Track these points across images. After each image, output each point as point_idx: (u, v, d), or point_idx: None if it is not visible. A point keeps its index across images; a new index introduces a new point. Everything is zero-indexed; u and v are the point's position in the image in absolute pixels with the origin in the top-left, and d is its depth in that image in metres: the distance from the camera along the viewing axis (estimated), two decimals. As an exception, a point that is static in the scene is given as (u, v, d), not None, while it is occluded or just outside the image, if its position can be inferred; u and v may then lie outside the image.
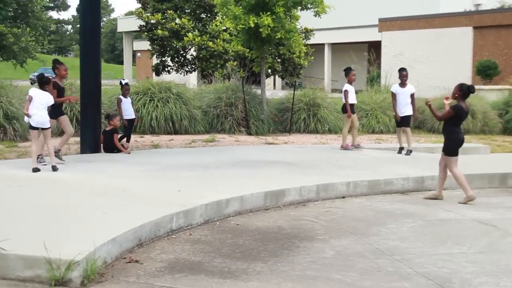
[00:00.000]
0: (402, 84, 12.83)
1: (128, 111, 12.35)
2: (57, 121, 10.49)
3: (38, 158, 9.78)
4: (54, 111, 10.07)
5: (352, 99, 13.04)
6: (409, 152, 12.67)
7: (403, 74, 12.82)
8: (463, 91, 8.88)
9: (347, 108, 12.96)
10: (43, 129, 9.39)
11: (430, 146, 14.42)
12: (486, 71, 26.88)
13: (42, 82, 9.45)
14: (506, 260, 6.05)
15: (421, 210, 8.37)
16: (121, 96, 12.36)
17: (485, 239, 6.93)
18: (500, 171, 10.72)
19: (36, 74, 50.96)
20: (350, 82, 13.08)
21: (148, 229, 6.34)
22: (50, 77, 9.84)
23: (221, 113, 17.14)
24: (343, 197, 9.18)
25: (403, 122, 12.80)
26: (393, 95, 12.87)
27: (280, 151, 13.03)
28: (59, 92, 10.33)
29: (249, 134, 16.75)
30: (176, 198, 7.55)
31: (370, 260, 6.01)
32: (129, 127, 12.45)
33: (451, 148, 8.97)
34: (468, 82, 28.70)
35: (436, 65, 30.55)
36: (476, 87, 22.75)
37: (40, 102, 9.30)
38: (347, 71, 13.21)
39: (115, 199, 7.43)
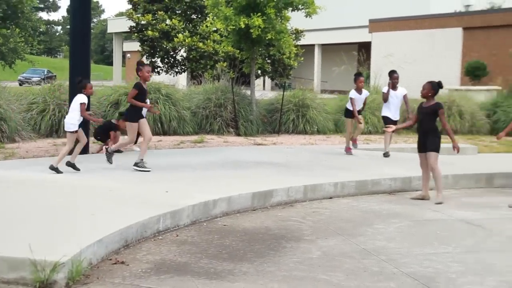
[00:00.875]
0: (393, 87, 12.46)
1: None
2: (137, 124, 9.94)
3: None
4: (135, 113, 9.88)
5: (358, 106, 12.39)
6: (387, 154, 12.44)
7: (394, 77, 12.44)
8: (436, 89, 9.04)
9: (354, 114, 12.18)
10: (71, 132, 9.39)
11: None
12: (474, 72, 26.95)
13: (78, 88, 9.52)
14: (491, 260, 6.09)
15: (408, 210, 8.40)
16: None
17: (471, 238, 6.97)
18: (487, 171, 10.77)
19: (24, 75, 50.46)
20: (358, 89, 12.39)
21: (135, 230, 6.34)
22: (87, 83, 9.60)
23: (210, 114, 17.14)
24: (331, 198, 9.20)
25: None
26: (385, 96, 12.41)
27: (268, 151, 13.04)
28: (141, 93, 9.86)
29: (238, 135, 16.75)
30: (163, 199, 7.55)
31: (356, 260, 6.03)
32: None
33: (439, 145, 9.01)
34: (457, 82, 28.84)
35: (426, 66, 30.66)
36: (464, 87, 22.88)
37: (72, 105, 9.46)
38: (356, 76, 12.54)
39: (102, 200, 7.42)
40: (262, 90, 34.19)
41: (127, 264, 5.64)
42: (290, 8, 16.60)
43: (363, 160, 11.87)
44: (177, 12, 25.47)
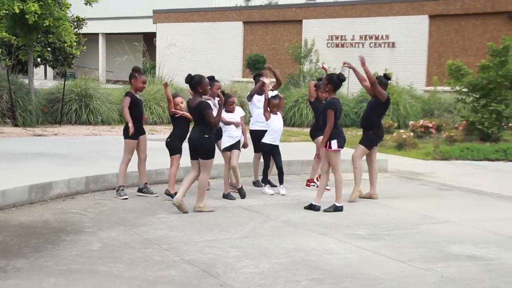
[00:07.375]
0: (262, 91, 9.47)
1: None
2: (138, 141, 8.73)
3: None
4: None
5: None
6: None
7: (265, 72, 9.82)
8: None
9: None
10: None
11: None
12: (255, 65, 28.07)
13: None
14: (266, 244, 6.41)
15: (190, 199, 8.50)
16: None
17: (249, 224, 7.27)
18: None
19: None
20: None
21: None
22: None
23: (-17, 104, 16.04)
24: (114, 189, 9.06)
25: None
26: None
27: (49, 143, 12.55)
28: (134, 105, 8.51)
29: (16, 125, 15.86)
30: None
31: (138, 250, 6.02)
32: None
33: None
34: (239, 75, 29.91)
35: (210, 57, 31.29)
36: (246, 79, 23.72)
37: None
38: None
39: None
40: (43, 79, 32.67)
41: None
42: (69, -5, 16.12)
43: (149, 151, 11.81)
44: None
